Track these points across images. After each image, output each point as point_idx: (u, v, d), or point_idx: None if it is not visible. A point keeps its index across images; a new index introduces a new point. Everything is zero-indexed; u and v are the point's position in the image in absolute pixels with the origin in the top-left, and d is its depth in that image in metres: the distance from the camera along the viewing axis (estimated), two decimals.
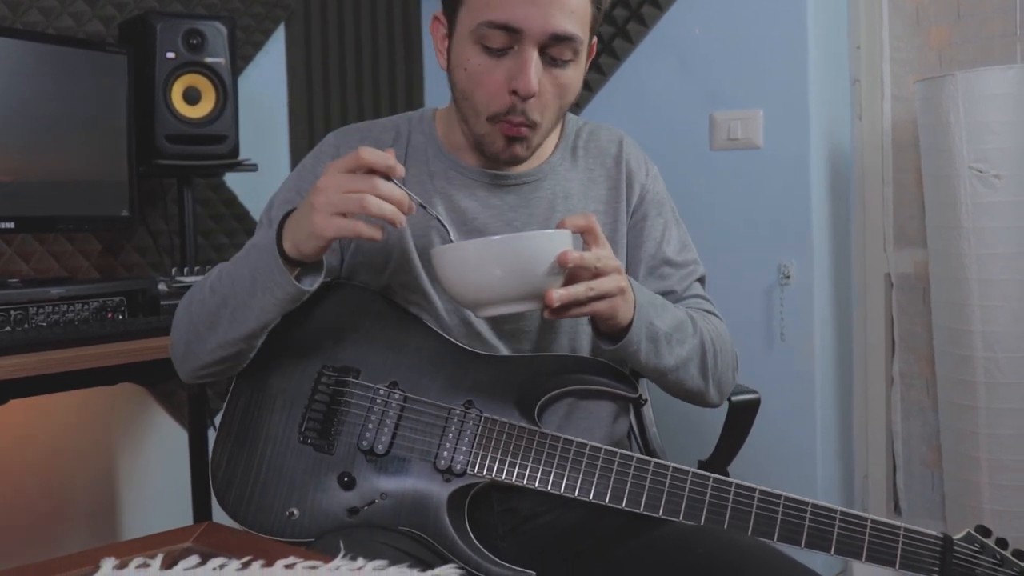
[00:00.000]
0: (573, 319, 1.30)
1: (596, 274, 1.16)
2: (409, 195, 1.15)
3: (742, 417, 1.57)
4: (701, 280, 1.46)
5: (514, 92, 1.24)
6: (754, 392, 1.58)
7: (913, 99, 2.33)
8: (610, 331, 1.24)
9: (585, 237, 1.18)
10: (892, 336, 2.50)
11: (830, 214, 2.44)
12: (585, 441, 1.23)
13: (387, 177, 1.14)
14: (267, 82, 2.63)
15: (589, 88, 2.64)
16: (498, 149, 1.30)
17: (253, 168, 2.29)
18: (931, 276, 2.26)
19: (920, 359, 2.47)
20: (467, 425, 1.26)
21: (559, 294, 1.12)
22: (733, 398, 1.56)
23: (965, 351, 2.13)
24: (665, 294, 1.39)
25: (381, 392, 1.28)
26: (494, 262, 1.10)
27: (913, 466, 2.49)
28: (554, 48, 1.24)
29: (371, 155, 1.13)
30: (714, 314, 1.42)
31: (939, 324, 2.24)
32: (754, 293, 2.45)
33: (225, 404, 1.33)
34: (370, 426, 1.26)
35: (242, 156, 2.26)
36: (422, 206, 1.22)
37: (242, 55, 2.51)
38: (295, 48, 2.68)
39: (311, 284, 1.21)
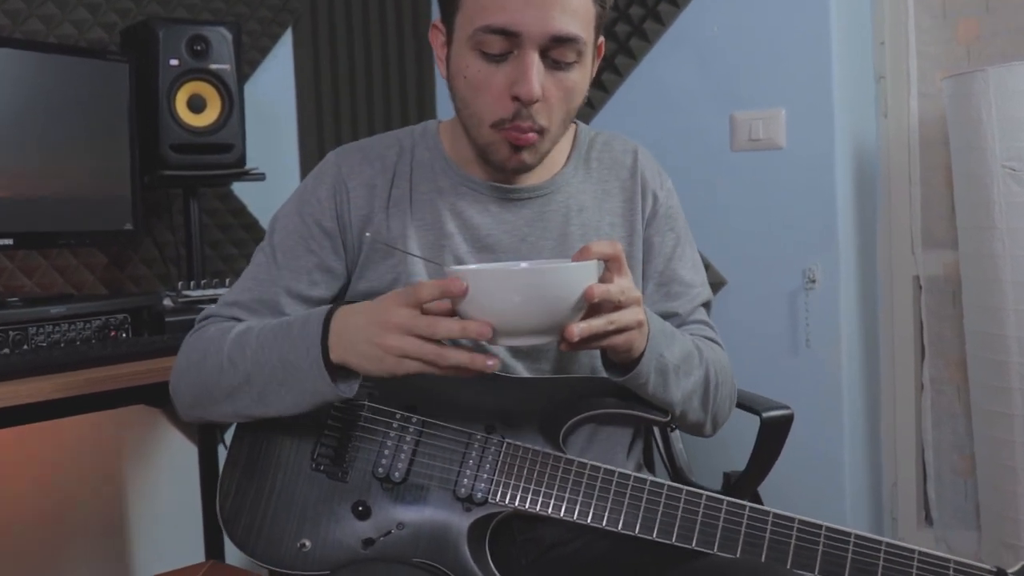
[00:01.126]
0: None
1: (617, 307, 1.08)
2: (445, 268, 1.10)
3: (774, 433, 1.50)
4: (706, 305, 1.40)
5: (516, 98, 1.18)
6: (787, 408, 1.51)
7: (941, 95, 2.26)
8: (620, 362, 1.17)
9: (609, 265, 1.09)
10: (921, 341, 2.43)
11: (856, 216, 2.37)
12: (613, 468, 1.17)
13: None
14: (275, 88, 2.56)
15: (605, 89, 2.57)
16: (503, 158, 1.23)
17: (261, 177, 2.23)
18: (963, 279, 2.18)
19: (950, 364, 2.39)
20: (488, 451, 1.19)
21: (580, 328, 1.04)
22: (764, 414, 1.49)
23: (1000, 356, 2.06)
24: (670, 315, 1.33)
25: (398, 417, 1.22)
26: (518, 293, 1.02)
27: (944, 474, 2.41)
28: (556, 50, 1.18)
29: (430, 292, 1.05)
30: (716, 342, 1.36)
31: (971, 328, 2.16)
32: (778, 298, 2.37)
33: (234, 429, 1.28)
34: (386, 452, 1.21)
35: (250, 164, 2.19)
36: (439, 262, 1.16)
37: (248, 61, 2.45)
38: (303, 52, 2.62)
39: (350, 390, 1.15)
